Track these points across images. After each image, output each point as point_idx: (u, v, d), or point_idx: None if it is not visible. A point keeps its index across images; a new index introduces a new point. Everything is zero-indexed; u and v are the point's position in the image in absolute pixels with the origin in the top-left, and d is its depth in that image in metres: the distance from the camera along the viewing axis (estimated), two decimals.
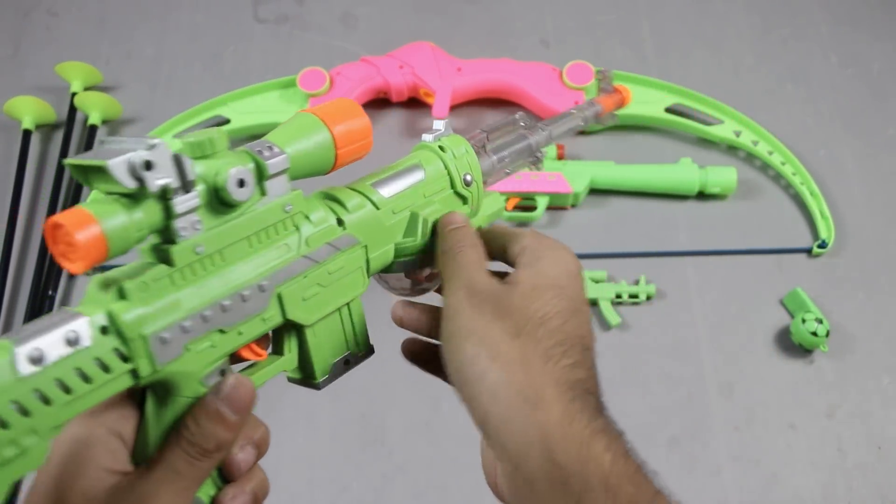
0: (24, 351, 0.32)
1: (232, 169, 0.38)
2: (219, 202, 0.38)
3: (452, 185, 0.50)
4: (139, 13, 1.18)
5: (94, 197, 0.97)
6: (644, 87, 1.07)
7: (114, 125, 1.08)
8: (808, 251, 0.99)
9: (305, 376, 0.47)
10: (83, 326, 0.34)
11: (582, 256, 0.98)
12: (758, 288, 0.97)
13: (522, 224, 1.01)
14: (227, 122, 1.05)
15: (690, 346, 0.93)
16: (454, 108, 1.07)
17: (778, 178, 1.04)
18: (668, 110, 1.06)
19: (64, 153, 1.05)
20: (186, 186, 0.36)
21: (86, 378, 0.33)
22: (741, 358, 0.93)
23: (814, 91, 1.12)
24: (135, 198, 0.35)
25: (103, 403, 0.37)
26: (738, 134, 1.04)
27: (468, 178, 0.50)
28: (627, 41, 1.16)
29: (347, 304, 0.46)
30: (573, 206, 1.02)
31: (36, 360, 0.32)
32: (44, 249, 0.99)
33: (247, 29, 1.17)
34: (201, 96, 1.07)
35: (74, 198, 1.02)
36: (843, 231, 1.00)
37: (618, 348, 0.93)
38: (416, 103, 1.09)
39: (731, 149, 1.06)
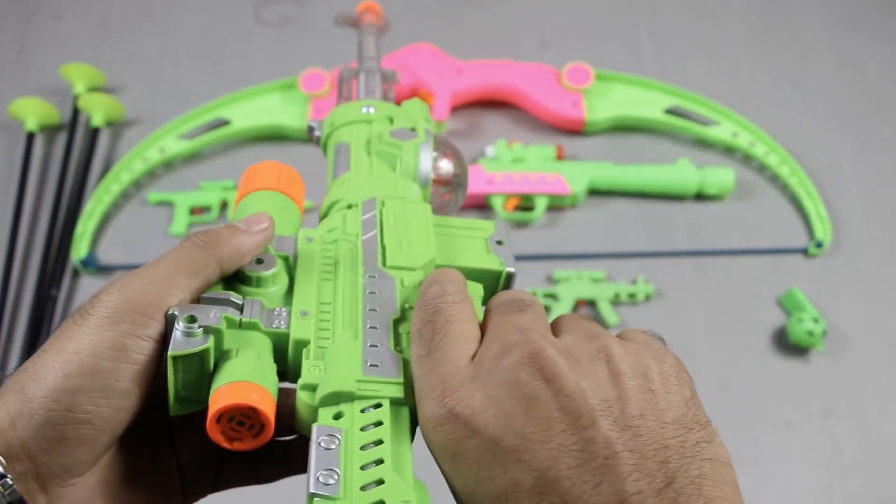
0: None
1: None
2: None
3: None
4: (141, 15, 1.19)
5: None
6: (642, 88, 1.08)
7: (116, 127, 1.09)
8: (805, 251, 1.00)
9: None
10: None
11: (581, 256, 0.99)
12: (755, 288, 0.98)
13: (522, 224, 1.01)
14: (227, 123, 1.06)
15: (688, 345, 0.94)
16: (454, 109, 1.08)
17: (775, 179, 1.05)
18: (667, 112, 1.07)
19: (67, 155, 1.06)
20: None
21: None
22: (738, 357, 0.94)
23: (811, 92, 1.12)
24: None
25: None
26: (735, 135, 1.05)
27: None
28: (626, 43, 1.16)
29: None
30: (572, 206, 1.03)
31: None
32: (47, 249, 1.00)
33: (248, 31, 1.18)
34: (203, 98, 1.08)
35: (76, 198, 1.03)
36: (840, 231, 1.01)
37: None
38: None
39: (729, 150, 1.06)
